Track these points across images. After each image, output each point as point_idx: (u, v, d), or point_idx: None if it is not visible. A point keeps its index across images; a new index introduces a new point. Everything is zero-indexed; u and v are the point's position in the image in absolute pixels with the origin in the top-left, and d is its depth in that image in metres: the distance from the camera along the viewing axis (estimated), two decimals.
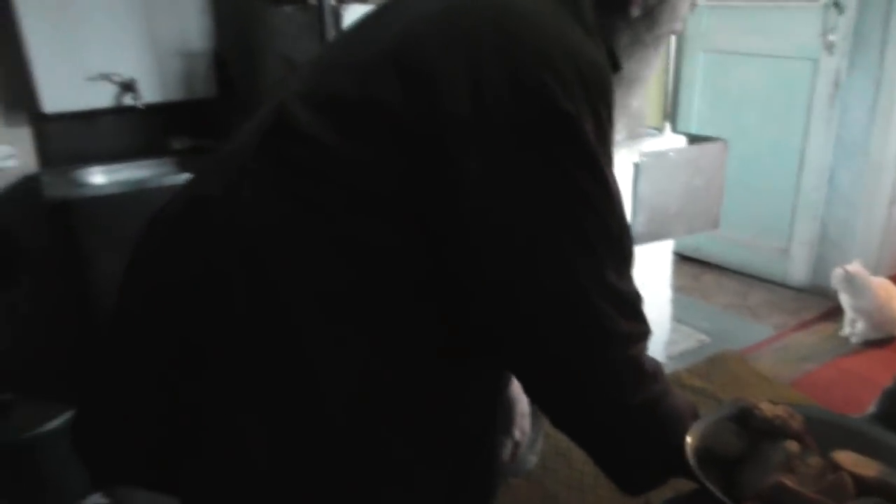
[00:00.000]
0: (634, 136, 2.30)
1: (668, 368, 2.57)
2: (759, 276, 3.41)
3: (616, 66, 0.77)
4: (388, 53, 0.67)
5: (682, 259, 3.55)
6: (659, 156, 2.32)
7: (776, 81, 3.21)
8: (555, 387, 0.70)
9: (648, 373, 0.72)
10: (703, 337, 2.88)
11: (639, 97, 0.89)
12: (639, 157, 2.27)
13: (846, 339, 2.75)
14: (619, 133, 0.85)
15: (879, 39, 2.92)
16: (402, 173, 0.63)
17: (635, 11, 0.77)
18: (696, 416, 0.82)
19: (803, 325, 2.95)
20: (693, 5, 0.84)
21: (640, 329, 0.71)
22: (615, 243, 0.68)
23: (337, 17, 1.73)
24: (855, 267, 2.69)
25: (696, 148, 2.46)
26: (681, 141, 2.46)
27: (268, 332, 0.64)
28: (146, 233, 0.76)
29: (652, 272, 2.56)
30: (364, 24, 0.79)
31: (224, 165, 0.73)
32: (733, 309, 3.14)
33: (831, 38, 2.98)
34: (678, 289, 2.92)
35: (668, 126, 2.52)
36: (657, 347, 2.63)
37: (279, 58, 2.22)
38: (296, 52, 2.05)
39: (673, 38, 2.64)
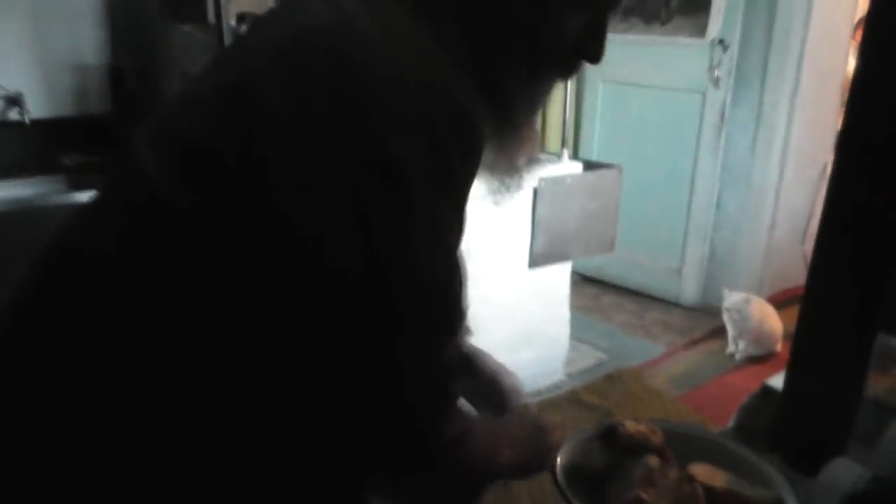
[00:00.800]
0: (532, 162, 2.39)
1: (567, 386, 2.65)
2: (655, 295, 3.58)
3: (497, 98, 0.73)
4: (221, 92, 0.65)
5: (584, 280, 3.68)
6: (556, 181, 2.42)
7: (669, 112, 3.40)
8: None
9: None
10: (601, 355, 2.98)
11: (529, 123, 0.84)
12: (537, 182, 2.36)
13: (731, 356, 2.92)
14: (518, 161, 0.85)
15: (759, 76, 3.15)
16: (231, 219, 0.62)
17: (511, 40, 0.72)
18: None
19: (693, 343, 3.10)
20: (589, 36, 0.76)
21: (444, 415, 0.69)
22: (435, 303, 0.65)
23: (236, 36, 1.73)
24: (735, 294, 2.87)
25: (592, 174, 2.57)
26: (578, 167, 2.57)
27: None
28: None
29: (552, 292, 2.64)
30: (223, 52, 0.78)
31: (84, 211, 0.73)
32: (630, 328, 3.28)
33: (717, 73, 3.19)
34: (579, 308, 3.03)
35: (565, 152, 2.63)
36: (556, 365, 2.72)
37: (180, 74, 2.18)
38: (196, 69, 2.03)
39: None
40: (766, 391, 1.07)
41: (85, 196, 0.77)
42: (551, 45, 0.73)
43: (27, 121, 2.19)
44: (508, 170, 0.82)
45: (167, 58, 2.14)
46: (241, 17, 1.79)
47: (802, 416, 0.94)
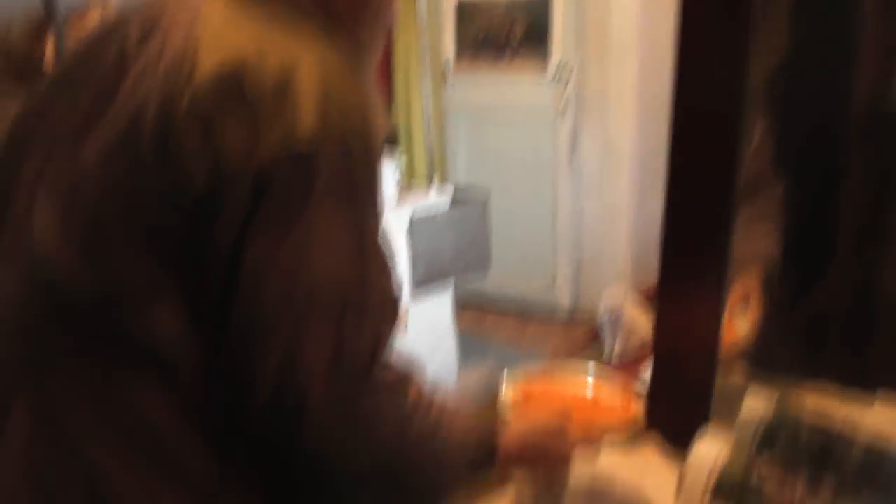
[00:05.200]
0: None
1: None
2: (532, 310, 3.76)
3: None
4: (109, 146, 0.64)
5: (464, 307, 3.80)
6: (426, 221, 2.53)
7: (527, 139, 3.66)
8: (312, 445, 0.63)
9: (419, 403, 0.70)
10: None
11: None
12: (410, 219, 2.45)
13: (608, 359, 3.12)
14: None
15: (599, 106, 3.46)
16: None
17: None
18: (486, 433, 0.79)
19: (575, 352, 3.29)
20: None
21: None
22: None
23: None
24: (611, 297, 3.08)
25: (460, 210, 2.72)
26: (446, 202, 2.69)
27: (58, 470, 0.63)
28: None
29: (436, 323, 2.74)
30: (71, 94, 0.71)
31: None
32: (513, 344, 3.42)
33: (562, 104, 3.47)
34: (462, 332, 3.13)
35: (435, 180, 2.75)
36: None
37: None
38: None
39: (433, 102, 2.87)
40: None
41: None
42: None
43: None
44: None
45: None
46: None
47: (668, 397, 1.05)
